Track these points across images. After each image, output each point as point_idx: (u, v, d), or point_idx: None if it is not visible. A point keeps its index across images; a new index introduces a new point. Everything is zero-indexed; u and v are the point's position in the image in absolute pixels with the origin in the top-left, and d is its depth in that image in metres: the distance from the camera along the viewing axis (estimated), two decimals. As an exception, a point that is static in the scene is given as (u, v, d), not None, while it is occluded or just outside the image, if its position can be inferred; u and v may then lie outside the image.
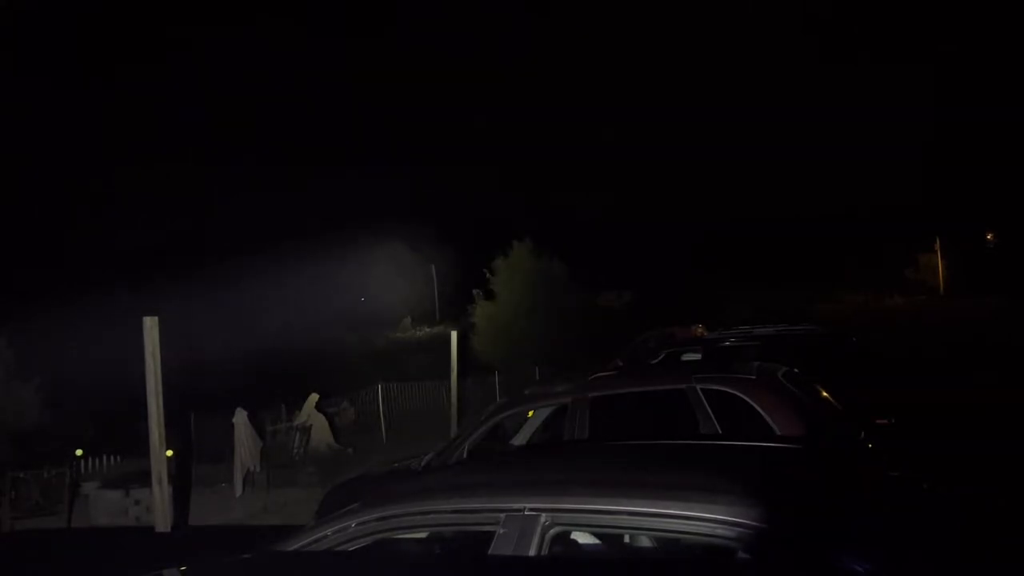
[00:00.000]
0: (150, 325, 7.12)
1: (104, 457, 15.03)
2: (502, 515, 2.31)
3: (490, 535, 2.30)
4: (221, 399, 15.09)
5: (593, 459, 2.94)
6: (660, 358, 9.82)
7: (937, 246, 59.84)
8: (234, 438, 11.85)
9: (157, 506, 7.35)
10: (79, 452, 13.00)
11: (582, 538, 2.60)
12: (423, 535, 2.79)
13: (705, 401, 5.12)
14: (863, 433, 5.29)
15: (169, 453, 7.79)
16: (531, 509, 2.27)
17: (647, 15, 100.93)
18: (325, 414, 14.57)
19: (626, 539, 2.66)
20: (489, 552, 2.26)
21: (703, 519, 2.06)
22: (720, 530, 2.03)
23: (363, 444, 15.38)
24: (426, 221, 48.38)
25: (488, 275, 26.35)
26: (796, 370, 5.65)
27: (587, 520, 2.30)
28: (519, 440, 6.37)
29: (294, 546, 2.64)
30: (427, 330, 41.67)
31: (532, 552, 2.20)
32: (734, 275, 48.68)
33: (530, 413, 6.41)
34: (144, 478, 8.89)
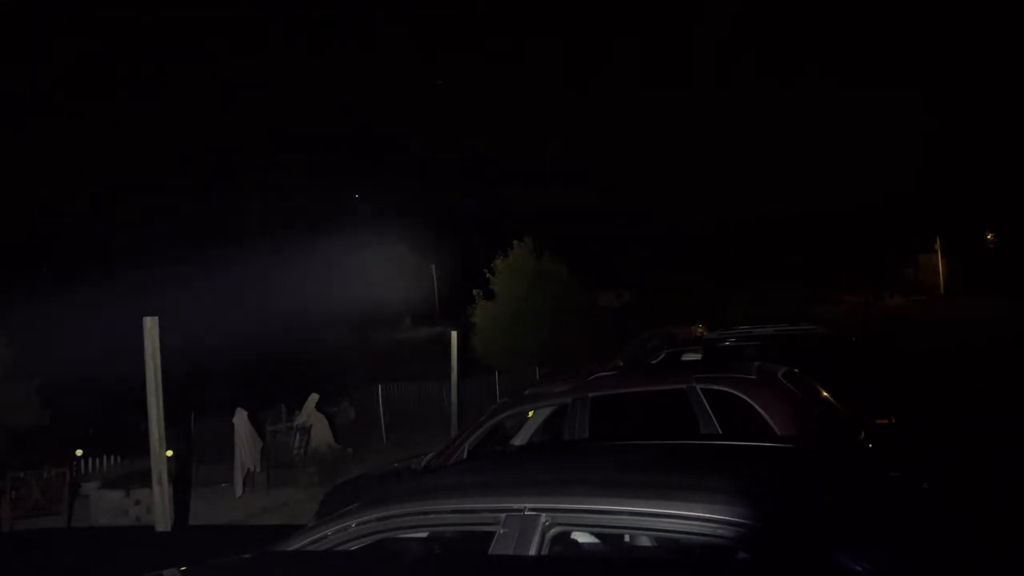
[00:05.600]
0: (150, 325, 7.14)
1: (104, 457, 15.03)
2: (502, 515, 2.31)
3: (490, 535, 2.30)
4: (221, 399, 15.10)
5: (593, 459, 2.93)
6: (660, 358, 9.81)
7: (937, 246, 59.87)
8: (234, 438, 11.85)
9: (157, 506, 7.37)
10: (79, 452, 13.00)
11: (582, 538, 2.60)
12: (423, 535, 2.79)
13: (705, 401, 5.12)
14: (863, 433, 5.29)
15: (169, 453, 7.79)
16: (531, 509, 2.27)
17: (645, 15, 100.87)
18: (325, 414, 14.55)
19: (626, 539, 2.66)
20: (489, 552, 2.26)
21: (703, 519, 2.06)
22: (720, 530, 2.03)
23: (363, 444, 15.38)
24: (426, 221, 48.39)
25: (488, 275, 26.32)
26: (796, 370, 5.65)
27: (587, 520, 2.30)
28: (519, 440, 6.37)
29: (294, 546, 2.64)
30: (427, 330, 41.64)
31: (532, 552, 2.19)
32: (735, 275, 48.67)
33: (530, 413, 6.41)
34: (144, 478, 8.90)
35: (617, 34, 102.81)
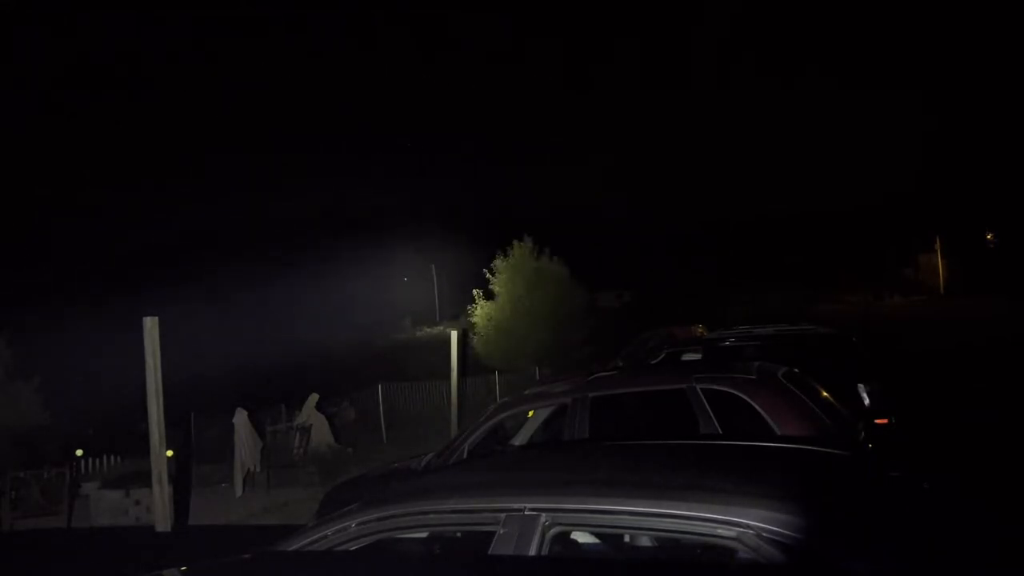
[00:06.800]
0: (150, 325, 7.15)
1: (104, 457, 15.01)
2: (502, 515, 2.30)
3: (490, 535, 2.30)
4: (221, 399, 15.08)
5: (593, 459, 2.93)
6: (660, 358, 9.80)
7: (937, 246, 59.84)
8: (234, 438, 11.85)
9: (157, 506, 7.37)
10: (79, 452, 12.98)
11: (582, 538, 2.60)
12: (423, 535, 2.79)
13: (705, 401, 5.12)
14: (863, 433, 5.30)
15: (169, 453, 7.80)
16: (531, 509, 2.27)
17: (645, 15, 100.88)
18: (325, 414, 14.55)
19: (626, 539, 2.66)
20: (489, 552, 2.26)
21: (703, 519, 2.06)
22: (720, 530, 2.03)
23: (363, 444, 15.38)
24: (426, 221, 48.40)
25: (488, 275, 26.31)
26: (796, 370, 5.65)
27: (587, 520, 2.30)
28: (519, 440, 6.37)
29: (294, 546, 2.64)
30: (427, 330, 41.63)
31: (532, 552, 2.19)
32: (735, 275, 48.69)
33: (530, 413, 6.41)
34: (144, 478, 8.90)
35: (617, 34, 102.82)
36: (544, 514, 2.25)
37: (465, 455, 5.83)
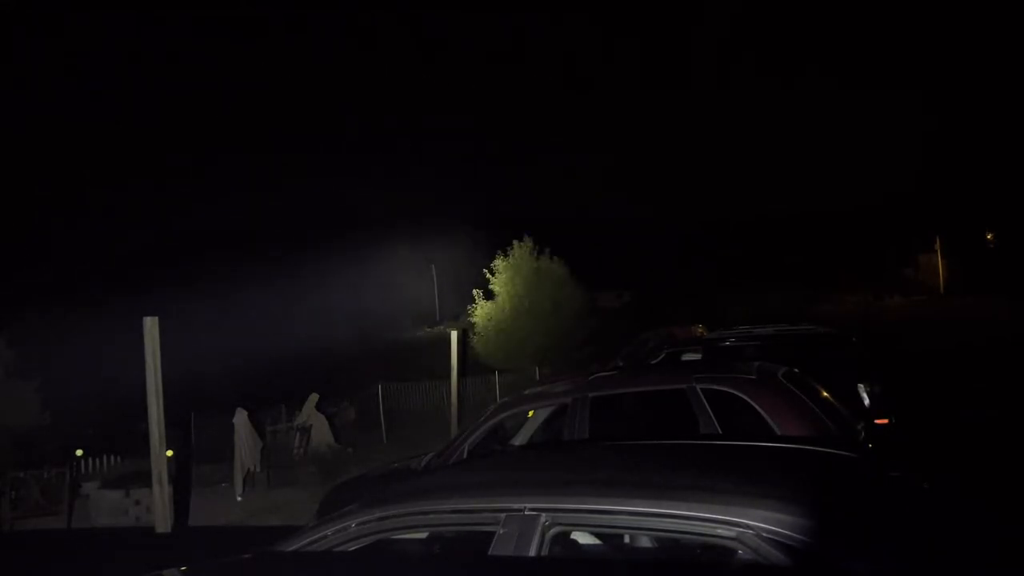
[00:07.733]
0: (150, 325, 7.16)
1: (104, 457, 15.03)
2: (502, 515, 2.30)
3: (490, 535, 2.30)
4: (221, 399, 15.09)
5: (593, 459, 2.93)
6: (660, 358, 9.80)
7: (937, 246, 59.81)
8: (234, 438, 11.85)
9: (157, 506, 7.38)
10: (79, 452, 12.99)
11: (582, 538, 2.60)
12: (423, 535, 2.79)
13: (705, 401, 5.11)
14: (863, 433, 5.29)
15: (169, 453, 7.80)
16: (531, 509, 2.27)
17: (645, 15, 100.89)
18: (325, 414, 14.56)
19: (626, 539, 2.66)
20: (489, 552, 2.26)
21: (703, 519, 2.06)
22: (720, 530, 2.03)
23: (363, 444, 15.38)
24: (427, 221, 48.38)
25: (488, 275, 26.31)
26: (796, 370, 5.64)
27: (587, 520, 2.30)
28: (519, 440, 6.36)
29: (294, 546, 2.64)
30: (427, 330, 41.64)
31: (532, 552, 2.19)
32: (735, 275, 48.67)
33: (530, 413, 6.41)
34: (144, 478, 8.91)
35: (617, 34, 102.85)
36: (544, 514, 2.25)
37: (465, 455, 5.82)
